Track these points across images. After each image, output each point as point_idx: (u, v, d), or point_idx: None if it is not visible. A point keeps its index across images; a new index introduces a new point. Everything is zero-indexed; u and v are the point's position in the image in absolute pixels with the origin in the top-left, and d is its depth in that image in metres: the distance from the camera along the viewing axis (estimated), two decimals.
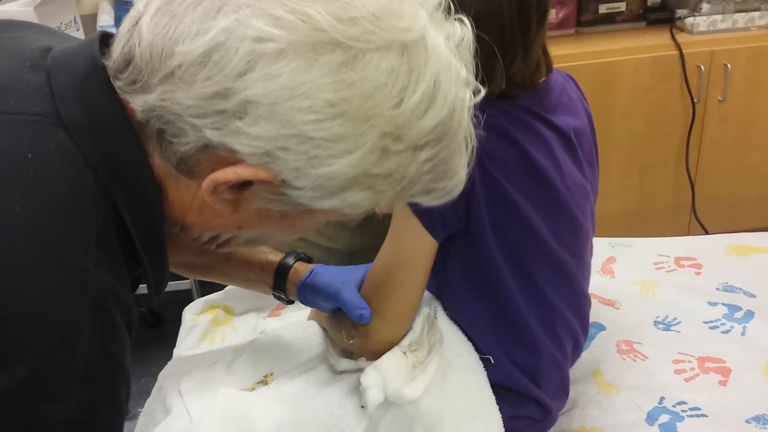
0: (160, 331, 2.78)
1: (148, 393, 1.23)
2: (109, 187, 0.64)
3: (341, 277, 1.06)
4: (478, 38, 0.90)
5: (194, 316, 1.46)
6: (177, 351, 1.38)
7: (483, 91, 0.71)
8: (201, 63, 0.60)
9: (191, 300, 1.57)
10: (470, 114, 0.70)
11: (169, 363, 1.26)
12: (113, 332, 0.63)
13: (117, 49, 0.64)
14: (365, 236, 1.57)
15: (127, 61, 0.63)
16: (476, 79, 0.71)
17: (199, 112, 0.61)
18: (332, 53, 0.60)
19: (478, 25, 0.89)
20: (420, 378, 0.98)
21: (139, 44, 0.62)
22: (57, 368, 0.58)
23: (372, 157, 0.64)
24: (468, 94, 0.69)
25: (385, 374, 0.97)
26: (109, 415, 0.64)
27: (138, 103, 0.63)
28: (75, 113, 0.64)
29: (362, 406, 0.99)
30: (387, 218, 1.01)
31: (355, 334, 1.03)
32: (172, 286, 2.09)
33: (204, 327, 1.39)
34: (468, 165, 0.72)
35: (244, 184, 0.65)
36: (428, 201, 0.73)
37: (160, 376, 1.22)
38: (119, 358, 0.65)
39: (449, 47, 0.66)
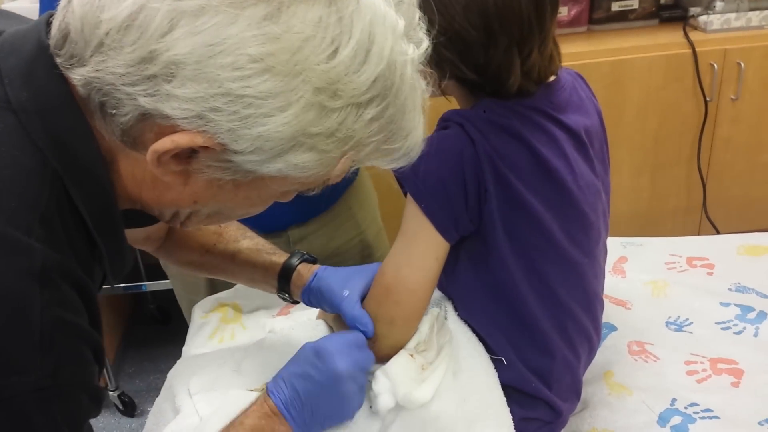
0: (168, 329, 2.79)
1: (156, 390, 1.23)
2: (57, 169, 0.64)
3: (345, 283, 1.04)
4: (496, 33, 0.90)
5: (204, 314, 1.46)
6: (186, 349, 1.38)
7: (426, 44, 0.70)
8: (126, 27, 0.60)
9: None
10: (416, 69, 0.69)
11: (178, 362, 1.26)
12: (64, 300, 0.64)
13: (55, 25, 0.65)
14: None
15: (65, 36, 0.63)
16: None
17: (132, 80, 0.61)
18: (255, 7, 0.59)
19: (498, 19, 0.89)
20: (430, 380, 0.98)
21: (72, 17, 0.62)
22: (13, 341, 0.60)
23: (309, 115, 0.63)
24: (410, 48, 0.67)
25: (395, 378, 0.97)
26: (76, 374, 0.66)
27: (77, 77, 0.63)
28: (23, 96, 0.64)
29: (370, 407, 0.99)
30: None
31: None
32: None
33: (213, 325, 1.39)
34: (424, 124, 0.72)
35: (189, 154, 0.65)
36: (385, 163, 0.72)
37: (169, 375, 1.22)
38: (75, 322, 0.65)
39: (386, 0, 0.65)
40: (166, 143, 0.62)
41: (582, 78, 1.12)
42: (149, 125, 0.63)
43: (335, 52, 0.62)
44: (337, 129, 0.65)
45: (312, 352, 0.95)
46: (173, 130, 0.62)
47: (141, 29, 0.59)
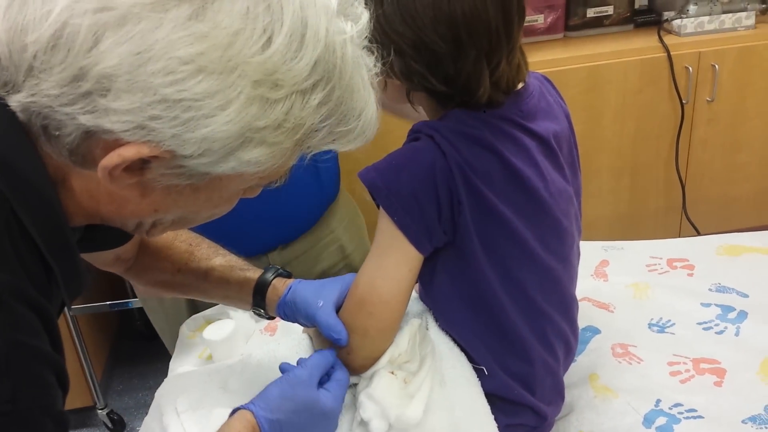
0: (156, 345, 2.76)
1: (144, 406, 1.23)
2: (4, 191, 0.63)
3: (319, 295, 1.04)
4: (465, 45, 0.91)
5: (191, 333, 1.46)
6: (173, 367, 1.38)
7: (365, 18, 0.69)
8: (52, 48, 0.59)
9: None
10: (359, 45, 0.68)
11: (166, 380, 1.25)
12: (17, 323, 0.62)
13: None
14: None
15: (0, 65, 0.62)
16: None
17: (67, 100, 0.60)
18: (178, 8, 0.58)
19: (466, 31, 0.90)
20: (418, 396, 0.98)
21: (1, 48, 0.61)
22: None
23: (252, 110, 0.62)
24: (348, 26, 0.67)
25: (381, 401, 0.96)
26: (37, 398, 0.63)
27: (14, 104, 0.62)
28: None
29: (361, 421, 0.99)
30: None
31: (337, 350, 1.02)
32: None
33: (203, 343, 1.38)
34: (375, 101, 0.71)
35: (141, 165, 0.64)
36: (342, 146, 0.71)
37: (157, 394, 1.21)
38: (33, 345, 0.63)
39: None
40: (113, 158, 0.62)
41: (549, 81, 1.13)
42: (95, 142, 0.62)
43: (268, 41, 0.61)
44: (285, 119, 0.64)
45: (320, 412, 0.94)
46: (118, 144, 0.62)
47: (67, 47, 0.58)
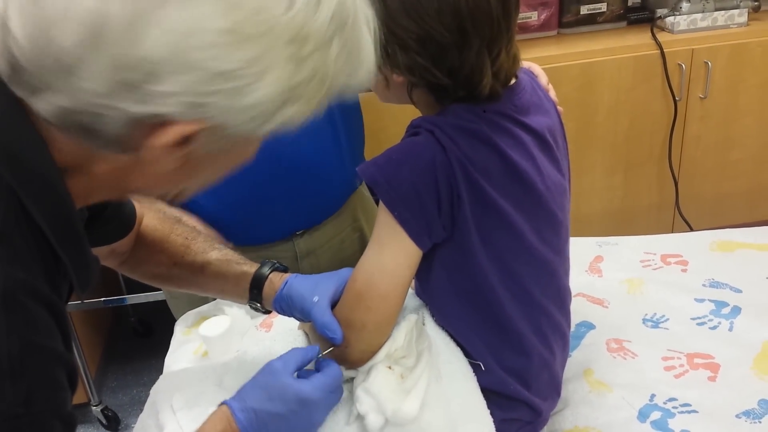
0: (149, 341, 2.78)
1: (139, 403, 1.23)
2: (11, 183, 0.63)
3: (315, 290, 1.04)
4: (470, 34, 0.92)
5: (186, 329, 1.46)
6: (168, 363, 1.37)
7: None
8: (91, 45, 0.58)
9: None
10: None
11: (161, 377, 1.25)
12: (32, 323, 0.62)
13: None
14: None
15: (15, 68, 0.61)
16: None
17: (114, 92, 0.60)
18: None
19: (471, 20, 0.91)
20: (415, 391, 0.98)
21: (17, 45, 0.59)
22: None
23: (289, 68, 0.64)
24: None
25: (378, 395, 0.96)
26: (50, 400, 0.63)
27: (48, 108, 0.61)
28: None
29: (358, 415, 0.99)
30: None
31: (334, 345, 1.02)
32: (161, 295, 2.08)
33: (198, 339, 1.39)
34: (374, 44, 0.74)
35: (187, 139, 0.64)
36: (352, 89, 0.74)
37: (152, 391, 1.21)
38: (47, 345, 0.63)
39: None
40: (164, 138, 0.62)
41: (536, 78, 1.13)
42: (140, 127, 0.62)
43: (291, 1, 0.63)
44: (315, 73, 0.66)
45: (294, 398, 0.92)
46: (167, 123, 0.62)
47: (108, 40, 0.57)
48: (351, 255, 1.59)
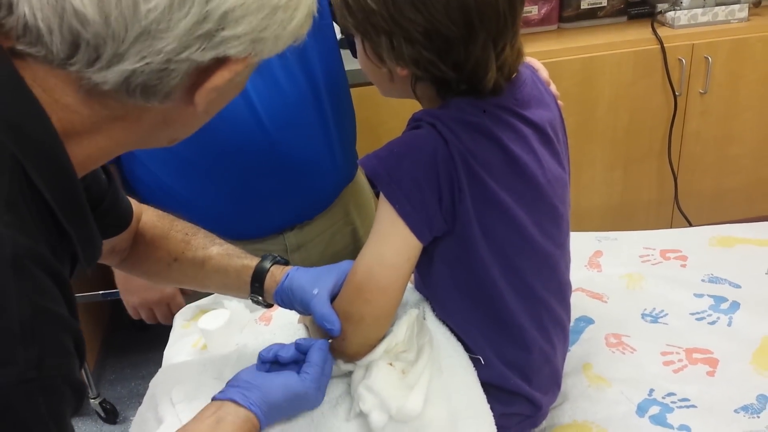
0: (148, 335, 2.77)
1: (137, 396, 1.23)
2: (15, 153, 0.62)
3: (315, 282, 1.04)
4: (477, 28, 0.92)
5: (185, 323, 1.45)
6: (167, 356, 1.37)
7: None
8: (171, 6, 0.61)
9: None
10: None
11: (160, 370, 1.25)
12: (39, 288, 0.62)
13: (45, 30, 0.61)
14: None
15: (74, 44, 0.62)
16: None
17: (184, 47, 0.62)
18: None
19: (478, 14, 0.90)
20: (417, 388, 0.98)
21: (76, 19, 0.60)
22: None
23: None
24: None
25: (381, 393, 0.96)
26: (59, 365, 0.63)
27: (112, 77, 0.63)
28: None
29: (359, 412, 0.99)
30: None
31: (332, 337, 1.02)
32: None
33: (197, 333, 1.39)
34: None
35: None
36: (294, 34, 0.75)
37: (151, 384, 1.21)
38: (56, 311, 0.63)
39: None
40: (218, 80, 0.66)
41: (537, 71, 1.13)
42: (192, 74, 0.65)
43: None
44: None
45: (294, 396, 0.96)
46: (224, 65, 0.65)
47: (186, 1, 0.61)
48: (342, 249, 1.59)
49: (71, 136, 0.67)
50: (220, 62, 0.66)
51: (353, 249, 1.60)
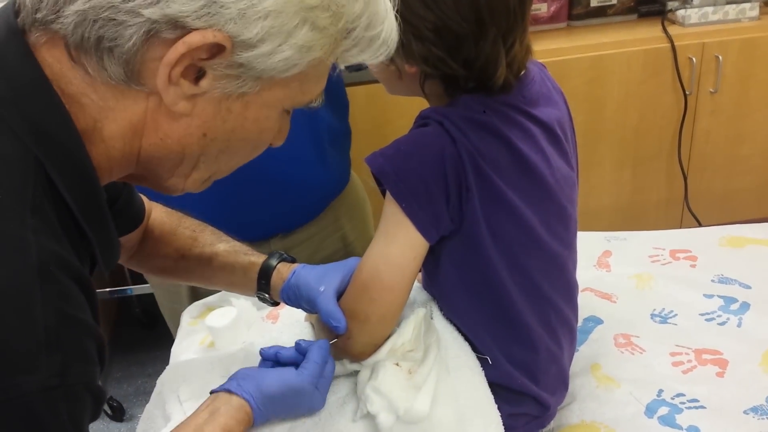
0: (155, 333, 2.78)
1: (145, 394, 1.24)
2: (38, 156, 0.63)
3: (322, 280, 1.04)
4: (487, 25, 0.91)
5: (192, 320, 1.46)
6: (175, 353, 1.37)
7: None
8: None
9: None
10: None
11: (168, 368, 1.25)
12: (65, 294, 0.62)
13: None
14: None
15: None
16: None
17: None
18: None
19: (488, 10, 0.90)
20: (425, 388, 0.97)
21: None
22: (17, 339, 0.57)
23: None
24: None
25: (389, 395, 0.96)
26: (82, 372, 0.63)
27: (68, 19, 0.62)
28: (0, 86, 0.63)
29: (366, 413, 0.98)
30: None
31: (337, 335, 1.02)
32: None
33: (205, 330, 1.38)
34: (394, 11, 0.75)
35: (198, 73, 0.66)
36: (370, 56, 0.75)
37: (158, 382, 1.22)
38: (80, 318, 0.63)
39: None
40: (178, 48, 0.63)
41: (545, 68, 1.13)
42: (154, 46, 0.64)
43: None
44: (331, 1, 0.67)
45: (289, 390, 0.95)
46: (179, 37, 0.63)
47: None
48: (331, 254, 1.58)
49: (89, 131, 0.67)
50: (173, 37, 0.63)
51: (344, 254, 1.59)
